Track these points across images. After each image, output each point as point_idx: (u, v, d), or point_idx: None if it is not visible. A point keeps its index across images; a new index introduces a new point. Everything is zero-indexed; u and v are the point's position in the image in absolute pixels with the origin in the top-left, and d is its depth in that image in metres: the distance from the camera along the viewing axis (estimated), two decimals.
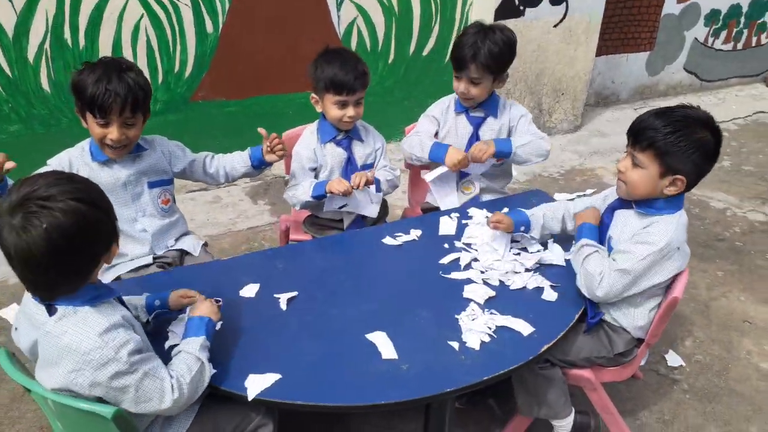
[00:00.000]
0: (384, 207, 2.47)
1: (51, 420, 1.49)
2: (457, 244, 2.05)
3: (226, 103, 3.81)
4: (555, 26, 4.19)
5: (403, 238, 2.10)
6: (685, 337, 2.62)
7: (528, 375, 1.83)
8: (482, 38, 2.18)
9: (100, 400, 1.33)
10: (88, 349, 1.26)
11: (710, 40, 5.54)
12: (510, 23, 4.03)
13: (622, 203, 1.81)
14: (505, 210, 2.14)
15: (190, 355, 1.43)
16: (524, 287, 1.83)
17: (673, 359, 2.48)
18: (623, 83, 5.31)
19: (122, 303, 1.48)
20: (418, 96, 4.20)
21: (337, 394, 1.45)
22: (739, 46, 5.74)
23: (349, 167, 2.28)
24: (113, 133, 1.88)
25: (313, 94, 2.22)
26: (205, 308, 1.57)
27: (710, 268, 3.12)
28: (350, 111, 2.16)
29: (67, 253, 1.22)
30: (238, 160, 2.24)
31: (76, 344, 1.27)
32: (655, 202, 1.70)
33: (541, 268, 1.93)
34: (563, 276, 1.88)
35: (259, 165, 2.23)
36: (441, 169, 2.32)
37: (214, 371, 1.47)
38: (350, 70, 2.10)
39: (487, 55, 2.17)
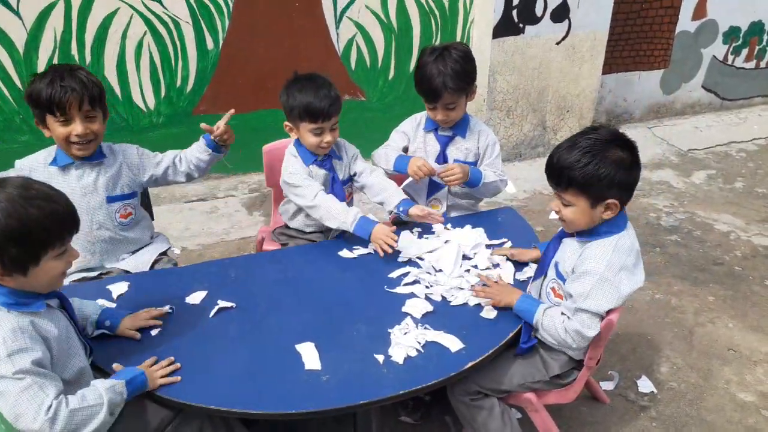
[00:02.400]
0: None
1: None
2: (402, 258, 2.06)
3: None
4: (557, 44, 4.16)
5: (359, 251, 2.12)
6: (661, 363, 2.54)
7: (462, 407, 1.82)
8: (443, 63, 2.17)
9: None
10: None
11: (730, 57, 5.38)
12: (509, 41, 4.03)
13: (566, 233, 1.78)
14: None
15: (93, 389, 1.39)
16: (465, 303, 1.83)
17: (644, 385, 2.40)
18: (636, 101, 5.21)
19: (65, 309, 1.52)
20: (419, 110, 4.21)
21: (254, 401, 1.48)
22: (762, 64, 5.55)
23: (335, 185, 2.27)
24: (77, 127, 1.92)
25: (287, 122, 2.21)
26: (148, 369, 1.53)
27: (702, 292, 3.02)
28: (327, 137, 2.15)
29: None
30: (198, 149, 2.26)
31: None
32: (595, 228, 1.68)
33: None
34: None
35: (217, 148, 2.26)
36: (408, 180, 2.36)
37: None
38: (324, 96, 2.08)
39: (455, 78, 2.16)
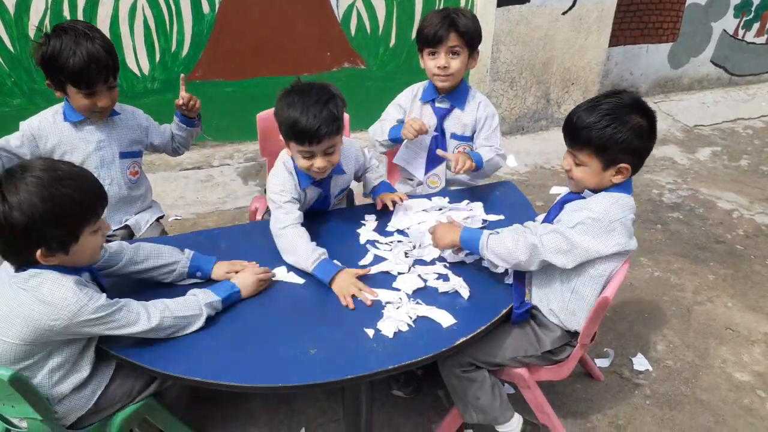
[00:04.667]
0: (350, 196, 2.43)
1: None
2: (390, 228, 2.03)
3: (224, 84, 3.84)
4: (564, 14, 4.04)
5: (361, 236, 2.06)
6: (658, 341, 2.51)
7: (453, 379, 1.79)
8: (453, 12, 2.13)
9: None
10: (62, 295, 1.36)
11: (740, 32, 5.24)
12: (514, 9, 3.92)
13: (573, 195, 1.75)
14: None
15: (193, 298, 1.57)
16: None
17: (639, 363, 2.38)
18: (643, 75, 5.09)
19: (96, 281, 1.57)
20: (420, 81, 4.12)
21: (240, 375, 1.45)
22: None
23: (322, 202, 2.11)
24: (102, 100, 1.94)
25: (281, 137, 1.87)
26: (242, 278, 1.67)
27: (702, 271, 2.98)
28: (318, 162, 1.81)
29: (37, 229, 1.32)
30: (175, 127, 2.29)
31: (52, 292, 1.36)
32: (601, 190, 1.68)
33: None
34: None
35: (189, 121, 2.26)
36: (401, 150, 2.31)
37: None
38: (314, 116, 1.72)
39: (464, 23, 2.11)
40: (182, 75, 2.21)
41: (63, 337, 1.42)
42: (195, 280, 1.74)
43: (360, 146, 2.21)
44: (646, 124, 1.59)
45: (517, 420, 1.86)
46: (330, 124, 1.74)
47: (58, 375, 1.48)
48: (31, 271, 1.38)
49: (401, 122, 2.36)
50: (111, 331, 1.44)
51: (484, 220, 2.08)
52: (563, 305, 1.71)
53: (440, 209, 2.12)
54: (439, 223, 1.88)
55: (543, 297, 1.75)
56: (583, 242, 1.59)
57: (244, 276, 1.69)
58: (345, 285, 1.69)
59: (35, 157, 1.95)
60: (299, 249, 1.78)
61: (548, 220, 1.78)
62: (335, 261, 1.78)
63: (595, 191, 1.68)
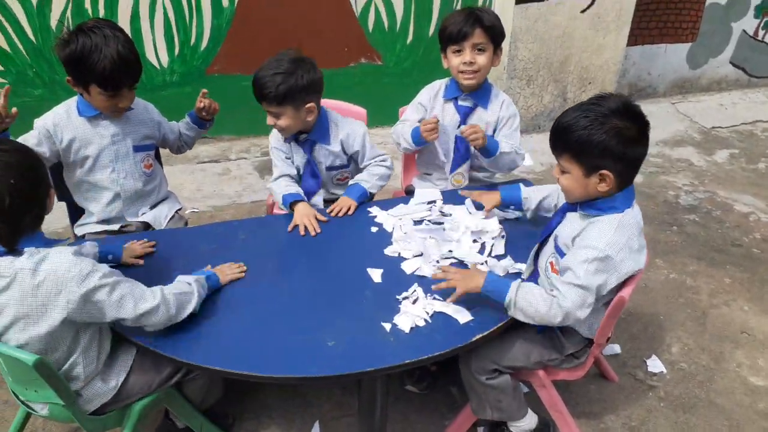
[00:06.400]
0: None
1: (3, 374, 1.57)
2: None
3: (242, 77, 3.85)
4: (582, 12, 4.02)
5: (377, 217, 2.08)
6: (673, 344, 2.50)
7: (477, 385, 1.78)
8: (476, 9, 2.14)
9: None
10: (67, 267, 1.37)
11: (761, 33, 5.17)
12: (533, 7, 3.90)
13: (571, 205, 1.72)
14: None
15: (182, 282, 1.60)
16: None
17: (654, 365, 2.37)
18: (661, 75, 5.05)
19: None
20: (437, 78, 4.11)
21: (259, 364, 1.47)
22: None
23: (309, 170, 2.21)
24: (124, 101, 1.96)
25: None
26: (217, 269, 1.74)
27: (718, 274, 2.96)
28: (269, 119, 2.07)
29: (25, 191, 1.34)
30: (185, 126, 2.32)
31: (55, 268, 1.36)
32: (597, 202, 1.60)
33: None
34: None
35: (201, 123, 2.30)
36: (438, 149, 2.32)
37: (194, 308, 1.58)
38: (268, 80, 1.96)
39: (489, 19, 2.12)
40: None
41: (81, 316, 1.41)
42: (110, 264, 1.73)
43: (364, 134, 2.25)
44: (632, 128, 1.50)
45: (530, 417, 1.88)
46: (269, 91, 1.96)
47: (83, 360, 1.50)
48: (29, 252, 1.37)
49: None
50: (122, 308, 1.44)
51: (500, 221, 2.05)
52: (581, 321, 1.70)
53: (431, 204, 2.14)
54: (458, 270, 1.71)
55: None
56: (595, 282, 1.54)
57: (219, 268, 1.76)
58: (300, 214, 2.02)
59: (53, 155, 1.99)
60: (276, 188, 2.15)
61: (549, 230, 1.75)
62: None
63: (592, 206, 1.61)
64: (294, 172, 2.22)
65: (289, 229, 2.01)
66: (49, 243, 1.44)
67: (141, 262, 1.82)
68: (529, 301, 1.57)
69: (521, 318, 1.60)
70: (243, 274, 1.77)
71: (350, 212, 2.11)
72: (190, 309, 1.55)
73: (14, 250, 1.38)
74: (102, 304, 1.42)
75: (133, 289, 1.46)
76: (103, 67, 1.81)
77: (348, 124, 2.24)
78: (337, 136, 2.21)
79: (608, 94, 1.57)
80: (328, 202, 2.23)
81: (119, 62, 1.82)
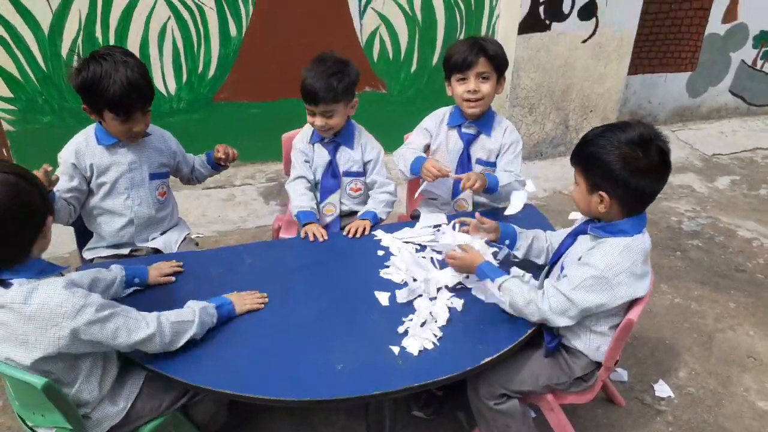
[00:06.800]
0: None
1: (10, 399, 1.57)
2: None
3: (249, 105, 3.92)
4: (584, 42, 4.10)
5: (382, 241, 2.10)
6: (679, 368, 2.49)
7: (485, 410, 1.78)
8: (480, 39, 2.19)
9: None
10: (58, 302, 1.35)
11: (759, 62, 5.26)
12: (535, 37, 3.98)
13: (584, 226, 1.74)
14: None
15: (188, 308, 1.59)
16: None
17: (661, 389, 2.36)
18: (661, 104, 5.12)
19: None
20: (440, 106, 4.17)
21: (268, 387, 1.47)
22: None
23: (330, 170, 2.30)
24: (139, 126, 1.97)
25: None
26: (237, 296, 1.73)
27: (722, 299, 2.96)
28: (318, 120, 2.16)
29: (7, 221, 1.31)
30: (200, 163, 2.36)
31: (46, 302, 1.34)
32: (607, 225, 1.63)
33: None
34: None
35: (216, 166, 2.36)
36: (423, 183, 2.31)
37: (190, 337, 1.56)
38: (319, 80, 2.07)
39: (493, 48, 2.17)
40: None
41: (76, 348, 1.40)
42: (134, 288, 1.78)
43: (380, 149, 2.37)
44: (641, 160, 1.51)
45: None
46: (331, 91, 2.08)
47: (87, 386, 1.50)
48: (19, 283, 1.36)
49: (428, 147, 2.40)
50: (117, 339, 1.43)
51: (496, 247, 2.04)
52: (587, 344, 1.72)
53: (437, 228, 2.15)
54: (469, 250, 1.84)
55: (568, 335, 1.75)
56: (587, 301, 1.57)
57: (241, 295, 1.74)
58: (310, 227, 2.13)
59: (84, 182, 2.02)
60: (293, 200, 2.27)
61: (559, 252, 1.78)
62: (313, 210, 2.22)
63: (602, 228, 1.64)
64: (311, 176, 2.32)
65: (302, 236, 2.12)
66: (44, 272, 1.42)
67: (172, 279, 1.85)
68: (513, 289, 1.65)
69: (506, 307, 1.67)
70: (263, 305, 1.74)
71: (366, 232, 2.16)
72: (186, 337, 1.53)
73: (2, 282, 1.36)
74: (96, 337, 1.40)
75: (127, 320, 1.44)
76: (113, 93, 1.84)
77: (369, 135, 2.39)
78: (359, 142, 2.33)
79: (636, 122, 1.58)
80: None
81: (128, 87, 1.85)
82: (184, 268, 1.92)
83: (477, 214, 1.98)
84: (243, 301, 1.72)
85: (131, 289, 1.78)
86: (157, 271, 1.83)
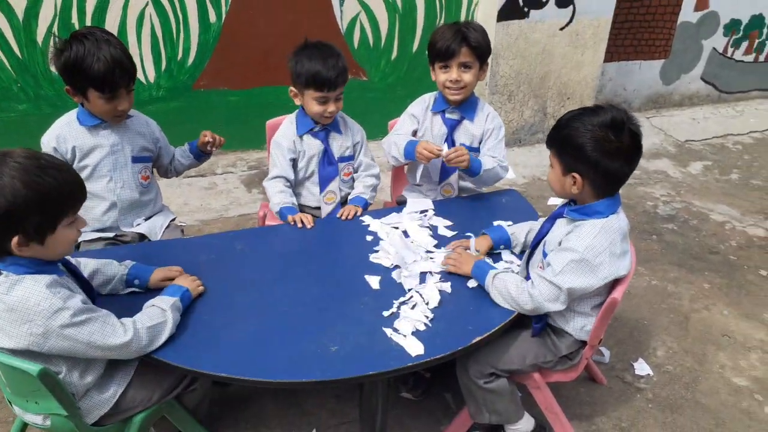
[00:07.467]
0: None
1: (2, 387, 1.56)
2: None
3: (228, 92, 3.89)
4: (561, 29, 4.16)
5: (371, 226, 2.13)
6: (658, 347, 2.57)
7: (475, 389, 1.83)
8: (464, 26, 2.20)
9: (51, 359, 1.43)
10: (36, 300, 1.34)
11: (730, 50, 5.40)
12: (514, 24, 4.02)
13: (562, 210, 1.78)
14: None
15: (156, 308, 1.56)
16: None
17: (641, 368, 2.44)
18: (636, 91, 5.22)
19: (74, 275, 1.56)
20: (420, 94, 4.19)
21: (262, 370, 1.48)
22: (761, 57, 5.58)
23: (326, 158, 2.31)
24: (123, 104, 1.98)
25: (292, 88, 2.24)
26: (185, 280, 1.70)
27: (697, 280, 3.06)
28: (331, 107, 2.19)
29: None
30: (181, 153, 2.36)
31: (25, 297, 1.34)
32: (582, 207, 1.68)
33: None
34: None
35: (199, 155, 2.35)
36: (419, 168, 2.35)
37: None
38: (332, 66, 2.11)
39: (475, 37, 2.18)
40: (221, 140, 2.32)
41: (48, 348, 1.38)
42: (132, 289, 1.73)
43: (363, 132, 2.43)
44: (612, 143, 1.54)
45: (526, 420, 1.92)
46: (344, 73, 2.16)
47: (78, 371, 1.50)
48: (5, 274, 1.37)
49: (415, 132, 2.42)
50: (91, 346, 1.41)
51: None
52: (572, 324, 1.78)
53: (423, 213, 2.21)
54: (463, 251, 1.90)
55: (553, 316, 1.79)
56: (572, 284, 1.62)
57: (184, 279, 1.71)
58: (297, 216, 2.14)
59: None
60: (272, 198, 2.26)
61: (539, 236, 1.82)
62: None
63: (578, 210, 1.67)
64: (292, 176, 2.31)
65: (291, 222, 2.14)
66: (41, 271, 1.40)
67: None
68: (504, 283, 1.70)
69: (499, 300, 1.72)
70: (202, 287, 1.73)
71: (359, 214, 2.21)
72: (163, 338, 1.53)
73: None
74: (69, 341, 1.39)
75: (103, 328, 1.42)
76: (98, 69, 1.85)
77: (349, 118, 2.45)
78: (345, 126, 2.39)
79: (610, 105, 1.61)
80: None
81: (113, 63, 1.86)
82: (172, 255, 1.91)
83: (472, 241, 1.99)
84: (194, 284, 1.70)
85: (130, 290, 1.73)
86: (162, 274, 1.75)
